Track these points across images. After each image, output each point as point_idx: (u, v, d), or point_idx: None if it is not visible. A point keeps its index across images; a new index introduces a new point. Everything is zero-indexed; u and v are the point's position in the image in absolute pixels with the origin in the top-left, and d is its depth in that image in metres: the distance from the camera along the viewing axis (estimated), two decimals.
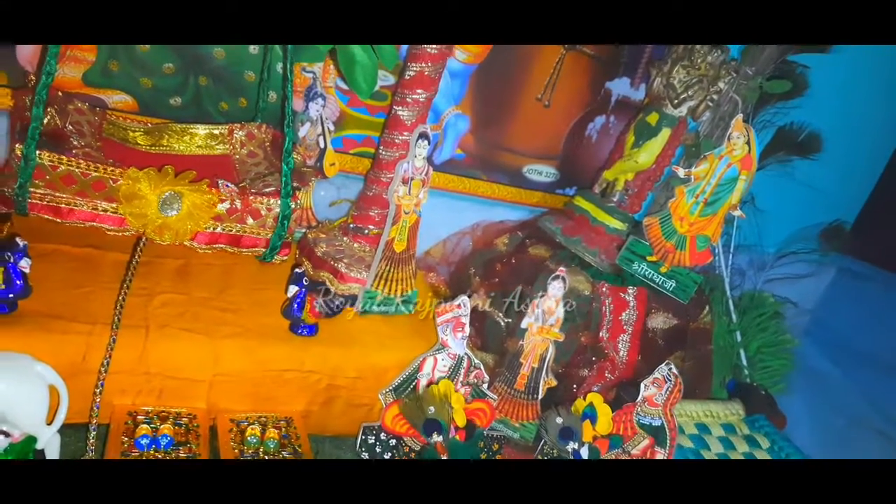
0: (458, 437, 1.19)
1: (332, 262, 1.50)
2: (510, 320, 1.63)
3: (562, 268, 1.54)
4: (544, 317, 1.57)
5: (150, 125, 1.41)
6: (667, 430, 1.40)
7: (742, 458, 1.54)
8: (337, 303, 1.44)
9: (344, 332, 1.42)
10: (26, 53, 1.36)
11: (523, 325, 1.56)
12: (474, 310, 1.66)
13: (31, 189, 1.14)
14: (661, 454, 1.39)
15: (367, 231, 1.54)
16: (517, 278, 1.67)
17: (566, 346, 1.57)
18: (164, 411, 1.23)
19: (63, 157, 1.15)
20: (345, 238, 1.55)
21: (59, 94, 1.31)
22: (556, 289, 1.55)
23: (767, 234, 2.33)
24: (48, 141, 1.16)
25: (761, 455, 1.56)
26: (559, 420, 1.27)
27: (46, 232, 1.30)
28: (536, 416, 1.55)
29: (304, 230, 1.61)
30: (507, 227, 1.91)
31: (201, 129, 1.43)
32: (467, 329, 1.44)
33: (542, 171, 1.97)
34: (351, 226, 1.55)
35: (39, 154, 1.12)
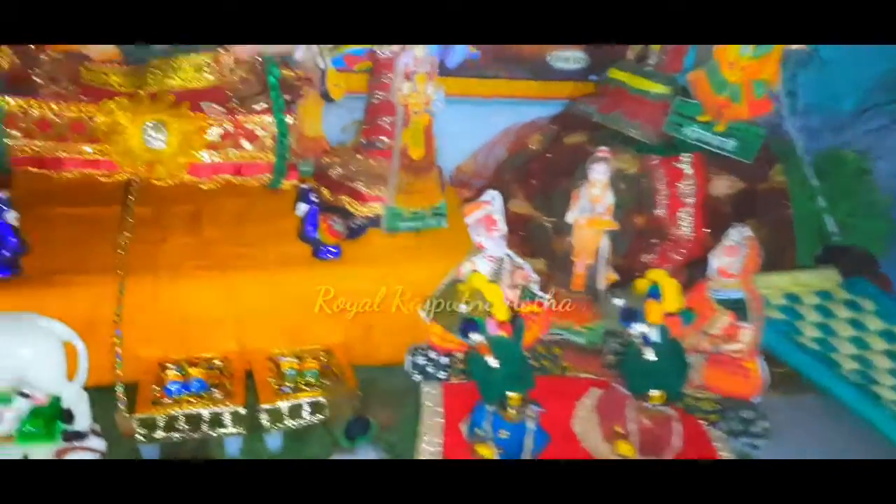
0: (502, 334, 1.06)
1: (348, 184, 1.38)
2: (555, 219, 1.47)
3: (602, 147, 1.37)
4: (592, 206, 1.41)
5: (128, 67, 1.32)
6: (749, 302, 1.22)
7: (846, 324, 1.35)
8: (358, 222, 1.33)
9: (371, 251, 1.31)
10: None
11: (569, 219, 1.40)
12: (516, 216, 1.52)
13: (8, 141, 1.06)
14: (746, 330, 1.22)
15: (379, 144, 1.41)
16: (556, 172, 1.51)
17: (622, 233, 1.40)
18: (195, 358, 1.16)
19: (32, 100, 1.07)
20: (358, 156, 1.42)
21: (32, 46, 1.24)
22: (598, 172, 1.37)
23: (840, 87, 2.05)
24: (12, 86, 1.08)
25: (869, 319, 1.36)
26: (619, 301, 1.12)
27: (43, 194, 1.24)
28: (600, 316, 1.41)
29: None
30: (539, 125, 1.73)
31: (184, 62, 1.32)
32: (502, 225, 1.30)
33: (568, 58, 1.77)
34: (363, 142, 1.43)
35: (4, 100, 1.05)
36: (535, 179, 1.57)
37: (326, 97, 1.49)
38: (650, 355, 1.08)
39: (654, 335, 1.10)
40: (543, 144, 1.64)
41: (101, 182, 1.21)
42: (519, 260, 1.31)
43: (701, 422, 1.23)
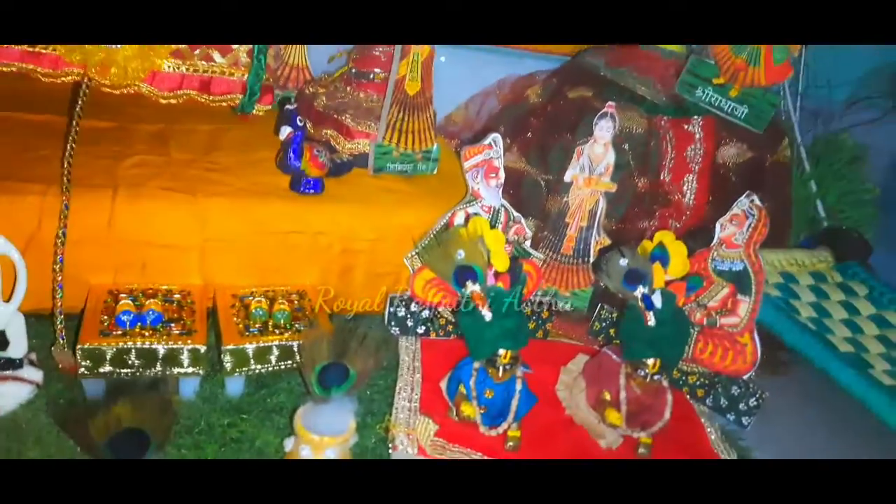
0: (499, 285, 0.97)
1: (335, 116, 1.26)
2: (550, 177, 1.38)
3: (610, 103, 1.29)
4: (591, 165, 1.33)
5: None
6: (751, 274, 1.16)
7: (839, 307, 1.31)
8: (344, 159, 1.22)
9: (355, 190, 1.20)
10: None
11: (567, 178, 1.32)
12: (509, 171, 1.42)
13: None
14: (745, 304, 1.16)
15: (372, 76, 1.29)
16: (556, 127, 1.41)
17: (619, 196, 1.33)
18: (152, 289, 1.04)
19: None
20: (347, 88, 1.30)
21: None
22: (604, 129, 1.29)
23: (836, 77, 2.02)
24: None
25: (861, 304, 1.33)
26: (623, 262, 1.04)
27: None
28: (589, 282, 1.34)
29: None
30: (538, 78, 1.63)
31: None
32: (502, 175, 1.20)
33: None
34: (353, 71, 1.30)
35: None
36: (531, 133, 1.47)
37: None
38: (652, 321, 1.01)
39: (657, 299, 1.03)
40: (543, 97, 1.54)
41: (56, 89, 1.06)
42: (516, 214, 1.22)
43: (686, 395, 1.18)
